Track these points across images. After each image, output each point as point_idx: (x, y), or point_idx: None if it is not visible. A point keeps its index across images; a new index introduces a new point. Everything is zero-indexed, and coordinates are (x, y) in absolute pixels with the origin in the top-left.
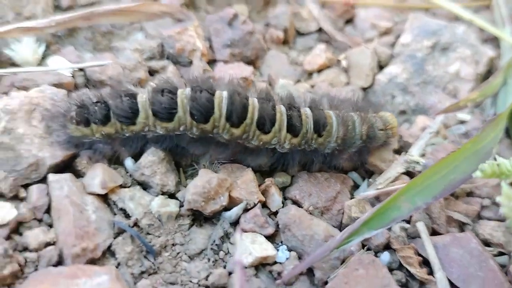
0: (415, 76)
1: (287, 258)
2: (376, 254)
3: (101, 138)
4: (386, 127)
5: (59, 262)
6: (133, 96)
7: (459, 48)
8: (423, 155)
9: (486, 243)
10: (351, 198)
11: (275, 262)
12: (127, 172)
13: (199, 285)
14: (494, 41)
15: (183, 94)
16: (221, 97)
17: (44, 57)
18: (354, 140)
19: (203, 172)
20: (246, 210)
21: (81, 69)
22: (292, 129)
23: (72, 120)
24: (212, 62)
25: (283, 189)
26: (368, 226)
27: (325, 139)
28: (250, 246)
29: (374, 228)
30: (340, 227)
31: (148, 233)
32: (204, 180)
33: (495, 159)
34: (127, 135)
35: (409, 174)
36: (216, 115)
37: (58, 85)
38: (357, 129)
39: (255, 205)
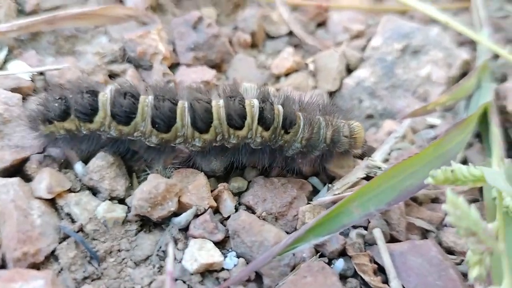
0: (383, 79)
1: (235, 265)
2: (330, 261)
3: (65, 134)
4: (351, 135)
5: (3, 266)
6: (94, 94)
7: (431, 51)
8: (386, 160)
9: (450, 251)
10: (308, 204)
11: (223, 269)
12: (77, 177)
13: None
14: (472, 44)
15: (145, 101)
16: (183, 107)
17: (6, 61)
18: (318, 143)
19: (152, 177)
20: (197, 215)
21: (41, 73)
22: (264, 121)
23: (38, 119)
24: (175, 66)
25: (239, 194)
26: (315, 232)
27: (292, 137)
28: (196, 253)
29: (322, 234)
30: None
31: (93, 239)
32: (151, 186)
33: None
34: (84, 132)
35: (370, 179)
36: (178, 125)
37: (16, 89)
38: (321, 132)
39: (205, 210)
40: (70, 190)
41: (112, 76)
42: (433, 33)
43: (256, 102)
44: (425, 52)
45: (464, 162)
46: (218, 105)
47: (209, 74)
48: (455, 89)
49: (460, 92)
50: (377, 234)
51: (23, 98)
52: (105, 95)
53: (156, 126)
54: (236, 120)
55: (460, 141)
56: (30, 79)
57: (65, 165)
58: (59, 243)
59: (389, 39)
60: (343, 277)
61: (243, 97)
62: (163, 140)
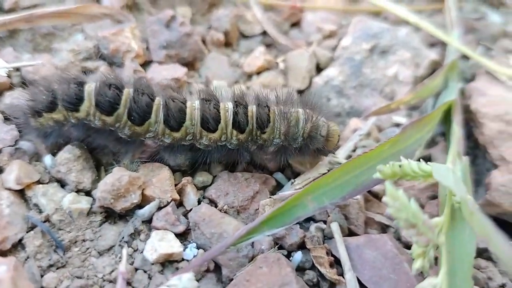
0: (351, 78)
1: (194, 256)
2: (290, 253)
3: (53, 125)
4: (327, 135)
5: None
6: (81, 84)
7: (399, 51)
8: (350, 157)
9: (408, 246)
10: (269, 198)
11: (183, 259)
12: (46, 169)
13: (103, 280)
14: (443, 45)
15: (128, 93)
16: (159, 103)
17: None
18: (297, 136)
19: (116, 170)
20: (160, 208)
21: (17, 69)
22: (238, 125)
23: (28, 113)
24: (148, 63)
25: (204, 188)
26: (269, 224)
27: (269, 135)
28: (156, 244)
29: (276, 226)
30: None
31: (59, 229)
32: (114, 178)
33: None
34: (72, 121)
35: None
36: (152, 120)
37: None
38: (300, 125)
39: (168, 203)
40: (39, 182)
41: (86, 72)
42: (401, 34)
43: (230, 106)
44: (393, 52)
45: (428, 160)
46: (193, 106)
47: (180, 71)
48: (420, 88)
49: (425, 91)
50: (334, 227)
51: (0, 93)
52: (91, 85)
53: (132, 118)
54: (211, 123)
55: (418, 138)
56: (6, 75)
57: (37, 157)
58: (27, 232)
59: (358, 39)
60: (301, 269)
61: (218, 101)
62: (134, 132)
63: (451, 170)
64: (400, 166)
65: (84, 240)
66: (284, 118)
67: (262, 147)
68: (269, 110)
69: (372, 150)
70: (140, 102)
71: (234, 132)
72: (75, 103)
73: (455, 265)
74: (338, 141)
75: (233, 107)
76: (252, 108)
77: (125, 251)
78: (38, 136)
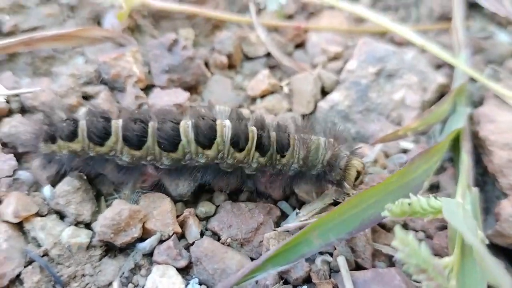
0: (357, 103)
1: None
2: (295, 287)
3: (67, 155)
4: (346, 169)
5: None
6: (108, 120)
7: (406, 74)
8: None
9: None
10: (273, 231)
11: None
12: (45, 201)
13: None
14: (450, 66)
15: (154, 126)
16: (186, 125)
17: None
18: (316, 163)
19: (116, 203)
20: (162, 241)
21: (17, 95)
22: (262, 148)
23: (41, 138)
24: (150, 88)
25: (207, 219)
26: (274, 262)
27: (288, 159)
28: (157, 280)
29: (281, 264)
30: None
31: (58, 263)
32: (114, 212)
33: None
34: (91, 155)
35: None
36: (184, 142)
37: None
38: (319, 153)
39: (169, 236)
40: (37, 214)
41: (86, 97)
42: (408, 57)
43: (254, 129)
44: (400, 75)
45: (437, 187)
46: (223, 124)
47: (182, 96)
48: (427, 114)
49: (432, 118)
50: (341, 262)
51: None
52: (118, 121)
53: (162, 146)
54: (241, 143)
55: (427, 169)
56: (5, 100)
57: (35, 188)
58: (25, 267)
59: (364, 62)
60: None
61: (246, 123)
62: (173, 160)
63: (461, 206)
64: (409, 204)
65: (83, 275)
66: (304, 144)
67: (280, 172)
68: (289, 136)
69: (379, 183)
70: (165, 129)
71: (256, 154)
72: (102, 137)
73: None
74: (358, 177)
75: (257, 131)
76: (274, 133)
77: (116, 284)
78: (43, 163)
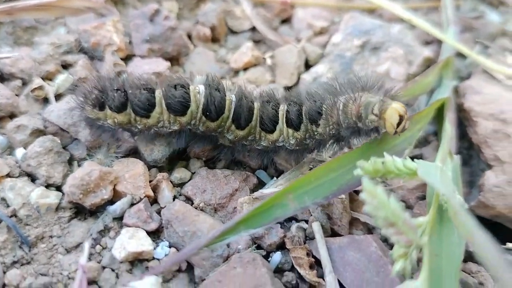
0: (341, 75)
1: (166, 255)
2: (269, 253)
3: (111, 125)
4: (381, 114)
5: None
6: (151, 90)
7: (391, 47)
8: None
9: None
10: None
11: (154, 258)
12: (17, 163)
13: (68, 278)
14: (439, 43)
15: (195, 90)
16: (230, 100)
17: None
18: (348, 120)
19: (86, 164)
20: (132, 205)
21: None
22: (292, 123)
23: (89, 102)
24: (130, 57)
25: (182, 185)
26: (246, 224)
27: (324, 127)
28: (126, 241)
29: (253, 226)
30: None
31: (26, 224)
32: (83, 172)
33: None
34: (139, 127)
35: None
36: (225, 115)
37: None
38: (348, 109)
39: (141, 199)
40: (8, 176)
41: (66, 66)
42: (394, 30)
43: (284, 107)
44: (385, 48)
45: (420, 158)
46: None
47: (162, 65)
48: (411, 85)
49: (417, 89)
50: (316, 227)
51: None
52: (160, 91)
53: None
54: (268, 124)
55: (409, 136)
56: None
57: (9, 151)
58: None
59: (349, 35)
60: (280, 271)
61: (279, 102)
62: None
63: (439, 168)
64: (383, 162)
65: (51, 237)
66: (333, 108)
67: (320, 143)
68: (321, 104)
69: (358, 147)
70: (214, 97)
71: (290, 131)
72: (147, 109)
73: (441, 268)
74: (401, 122)
75: (285, 107)
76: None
77: (87, 244)
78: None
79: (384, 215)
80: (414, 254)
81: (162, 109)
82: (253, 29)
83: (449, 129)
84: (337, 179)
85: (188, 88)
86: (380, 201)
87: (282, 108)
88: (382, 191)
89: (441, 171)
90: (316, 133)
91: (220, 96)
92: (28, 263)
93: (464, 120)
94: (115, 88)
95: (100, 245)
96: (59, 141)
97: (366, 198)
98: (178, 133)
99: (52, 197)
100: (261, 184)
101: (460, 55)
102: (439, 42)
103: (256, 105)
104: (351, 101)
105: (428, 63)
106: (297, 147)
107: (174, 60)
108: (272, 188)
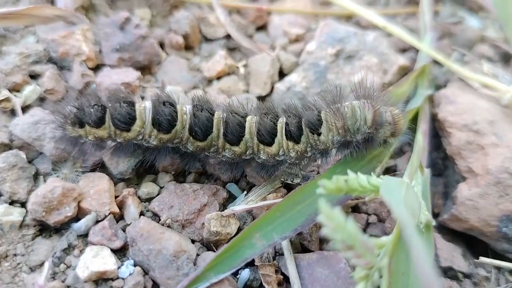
0: (315, 84)
1: (130, 274)
2: (237, 270)
3: (93, 141)
4: (394, 121)
5: None
6: (131, 104)
7: (366, 56)
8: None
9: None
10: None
11: (118, 278)
12: None
13: None
14: (416, 51)
15: (182, 109)
16: (219, 117)
17: None
18: (358, 127)
19: (49, 181)
20: (98, 222)
21: None
22: (291, 135)
23: (69, 121)
24: (100, 67)
25: (149, 200)
26: (215, 270)
27: (326, 135)
28: (89, 260)
29: (223, 271)
30: (203, 241)
31: None
32: (46, 190)
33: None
34: (118, 140)
35: (288, 187)
36: (214, 134)
37: None
38: (357, 115)
39: (106, 216)
40: None
41: (34, 76)
42: (369, 38)
43: (283, 119)
44: (359, 57)
45: (394, 170)
46: (251, 121)
47: (132, 75)
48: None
49: (390, 99)
50: (284, 244)
51: None
52: (142, 105)
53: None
54: (265, 136)
55: (378, 155)
56: None
57: None
58: None
59: (324, 43)
60: None
61: (276, 115)
62: (197, 148)
63: (405, 185)
64: (345, 180)
65: (15, 255)
66: (337, 113)
67: (325, 152)
68: (319, 112)
69: (325, 171)
70: (201, 117)
71: (290, 144)
72: (128, 122)
73: (408, 287)
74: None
75: (284, 120)
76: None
77: (47, 264)
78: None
79: (341, 238)
80: (376, 275)
81: (144, 123)
82: (228, 36)
83: (421, 141)
84: (305, 209)
85: (176, 107)
86: (337, 223)
87: (281, 121)
88: (339, 213)
89: (407, 188)
90: (318, 142)
91: (207, 116)
92: None
93: (439, 131)
94: (93, 104)
95: (65, 263)
96: (23, 156)
97: (323, 221)
98: (157, 149)
99: (16, 214)
100: (231, 198)
101: (438, 63)
102: (416, 49)
103: (249, 118)
104: (361, 107)
105: (405, 71)
106: (297, 161)
107: (146, 69)
108: (243, 205)
